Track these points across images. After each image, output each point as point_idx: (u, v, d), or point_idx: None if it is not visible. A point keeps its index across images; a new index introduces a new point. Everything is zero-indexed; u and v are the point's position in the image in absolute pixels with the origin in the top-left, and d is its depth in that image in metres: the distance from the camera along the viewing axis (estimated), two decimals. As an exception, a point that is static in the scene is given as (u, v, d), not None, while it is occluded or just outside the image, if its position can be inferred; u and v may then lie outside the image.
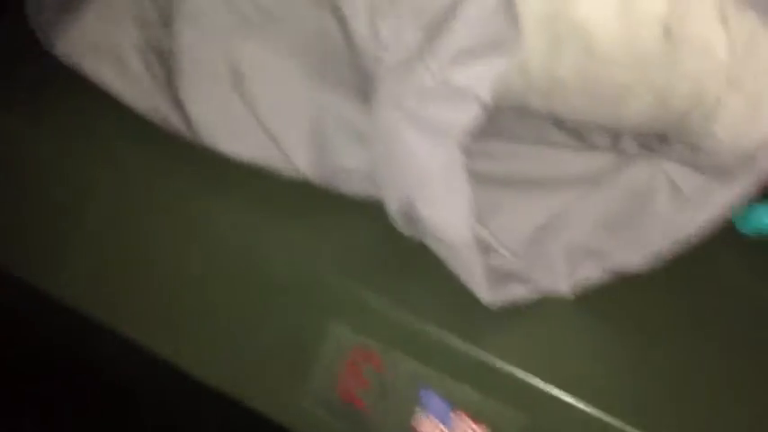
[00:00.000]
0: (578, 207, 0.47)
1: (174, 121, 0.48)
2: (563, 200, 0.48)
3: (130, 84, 0.49)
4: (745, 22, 0.41)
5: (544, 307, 0.46)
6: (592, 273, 0.47)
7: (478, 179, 0.44)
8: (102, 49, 0.48)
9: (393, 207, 0.44)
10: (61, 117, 0.51)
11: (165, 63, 0.47)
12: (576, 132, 0.51)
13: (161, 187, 0.49)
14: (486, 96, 0.40)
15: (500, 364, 0.43)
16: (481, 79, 0.40)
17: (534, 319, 0.45)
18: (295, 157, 0.47)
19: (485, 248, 0.44)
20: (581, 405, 0.42)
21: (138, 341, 0.51)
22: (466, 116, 0.40)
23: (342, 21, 0.44)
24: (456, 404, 0.45)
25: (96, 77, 0.49)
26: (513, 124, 0.49)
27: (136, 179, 0.49)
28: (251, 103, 0.47)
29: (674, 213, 0.46)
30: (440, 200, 0.42)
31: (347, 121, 0.46)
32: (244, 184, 0.49)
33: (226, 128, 0.48)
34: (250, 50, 0.46)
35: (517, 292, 0.45)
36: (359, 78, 0.46)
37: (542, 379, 0.43)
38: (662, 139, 0.49)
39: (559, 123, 0.50)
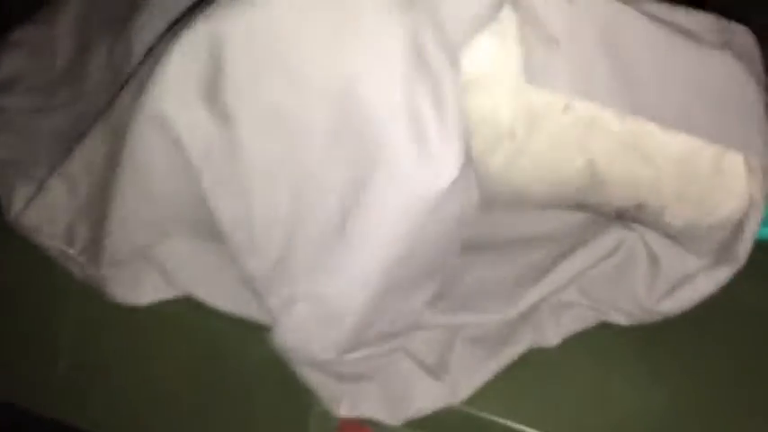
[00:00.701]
0: (559, 263, 0.47)
1: None
2: (541, 256, 0.48)
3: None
4: (673, 144, 0.41)
5: (531, 355, 0.45)
6: (579, 325, 0.47)
7: None
8: (47, 235, 0.48)
9: None
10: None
11: (96, 260, 0.47)
12: None
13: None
14: None
15: (492, 417, 0.43)
16: None
17: (523, 369, 0.45)
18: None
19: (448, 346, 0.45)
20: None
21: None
22: None
23: None
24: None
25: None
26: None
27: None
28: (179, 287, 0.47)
29: (652, 288, 0.46)
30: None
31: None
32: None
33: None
34: (173, 246, 0.46)
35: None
36: None
37: (539, 429, 0.42)
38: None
39: None
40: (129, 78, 0.45)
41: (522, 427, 0.43)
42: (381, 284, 0.40)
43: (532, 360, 0.45)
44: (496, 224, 0.48)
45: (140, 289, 0.47)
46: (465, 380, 0.44)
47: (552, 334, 0.46)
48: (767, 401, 0.44)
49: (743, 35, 0.44)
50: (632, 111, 0.40)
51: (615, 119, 0.41)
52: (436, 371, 0.44)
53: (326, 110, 0.38)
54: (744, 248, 0.43)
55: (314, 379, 0.43)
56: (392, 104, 0.37)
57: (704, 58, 0.42)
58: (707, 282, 0.45)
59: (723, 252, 0.44)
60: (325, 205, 0.40)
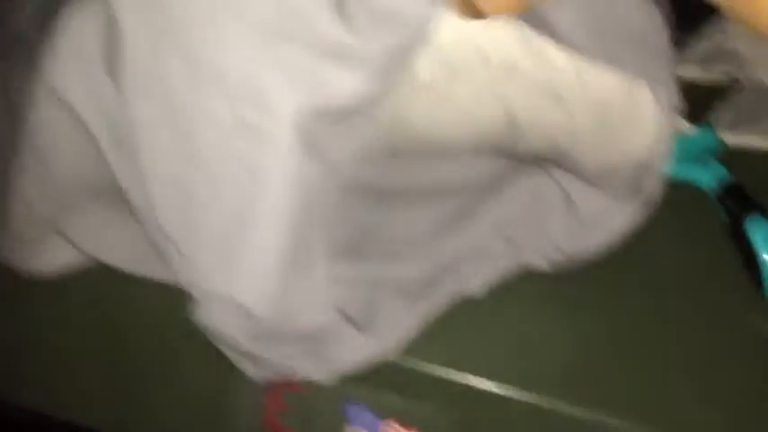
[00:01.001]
0: (477, 211, 0.47)
1: None
2: (459, 204, 0.48)
3: None
4: (587, 86, 0.42)
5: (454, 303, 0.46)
6: (500, 271, 0.47)
7: (368, 191, 0.44)
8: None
9: None
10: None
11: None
12: None
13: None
14: None
15: (419, 365, 0.43)
16: None
17: (446, 318, 0.45)
18: None
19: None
20: (502, 391, 0.42)
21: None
22: None
23: None
24: (383, 413, 0.45)
25: None
26: None
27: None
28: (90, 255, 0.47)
29: (569, 230, 0.47)
30: None
31: None
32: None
33: None
34: (80, 216, 0.46)
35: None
36: None
37: (460, 370, 0.43)
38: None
39: None
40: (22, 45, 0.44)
41: (446, 372, 0.43)
42: (281, 269, 0.39)
43: (455, 308, 0.46)
44: (415, 174, 0.48)
45: (49, 261, 0.46)
46: (391, 332, 0.44)
47: (474, 282, 0.47)
48: (674, 337, 0.45)
49: None
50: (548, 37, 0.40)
51: (531, 64, 0.41)
52: (362, 325, 0.44)
53: (224, 103, 0.37)
54: (653, 183, 0.44)
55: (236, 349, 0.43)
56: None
57: None
58: (621, 220, 0.46)
59: (635, 189, 0.45)
60: (220, 201, 0.39)
